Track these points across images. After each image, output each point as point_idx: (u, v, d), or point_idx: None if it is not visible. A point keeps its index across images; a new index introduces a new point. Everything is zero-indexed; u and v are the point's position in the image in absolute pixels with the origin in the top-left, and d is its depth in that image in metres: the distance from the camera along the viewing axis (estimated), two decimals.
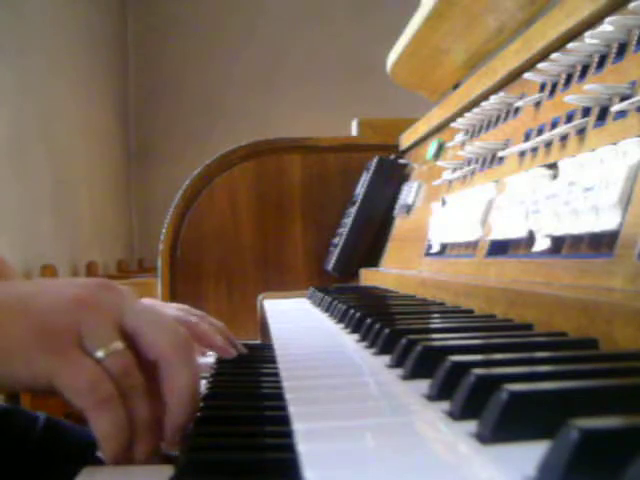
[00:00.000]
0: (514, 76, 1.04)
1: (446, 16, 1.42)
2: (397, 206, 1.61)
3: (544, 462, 0.29)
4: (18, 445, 0.81)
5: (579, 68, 0.83)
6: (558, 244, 0.76)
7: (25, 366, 0.57)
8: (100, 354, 0.59)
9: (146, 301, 0.95)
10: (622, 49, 0.74)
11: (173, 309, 1.09)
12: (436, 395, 0.46)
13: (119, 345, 0.60)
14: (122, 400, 0.59)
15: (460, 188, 1.17)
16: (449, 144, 1.29)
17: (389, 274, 1.44)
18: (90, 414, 0.57)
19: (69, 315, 0.59)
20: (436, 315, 0.89)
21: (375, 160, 1.69)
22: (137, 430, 0.59)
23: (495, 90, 1.10)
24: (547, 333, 0.64)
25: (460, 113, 1.24)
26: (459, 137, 1.23)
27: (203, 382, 0.82)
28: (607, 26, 0.74)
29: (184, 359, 0.60)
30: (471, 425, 0.38)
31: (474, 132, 1.18)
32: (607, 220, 0.64)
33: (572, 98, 0.77)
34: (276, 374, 0.78)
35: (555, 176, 0.79)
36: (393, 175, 1.67)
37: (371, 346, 0.68)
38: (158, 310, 0.64)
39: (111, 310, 0.61)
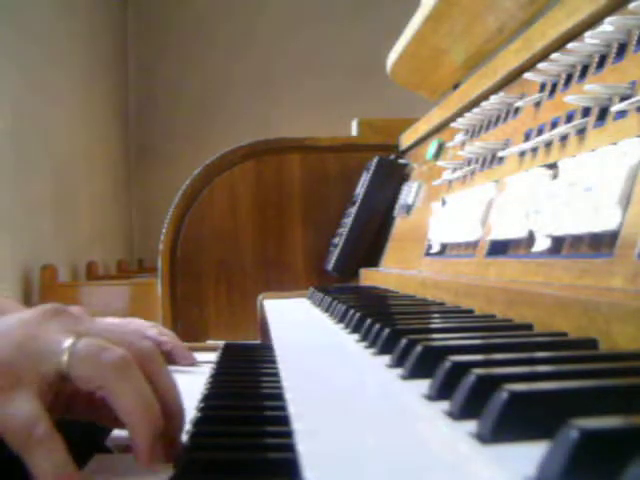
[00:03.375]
0: (514, 76, 1.04)
1: (446, 16, 1.42)
2: (397, 206, 1.61)
3: (544, 462, 0.29)
4: None
5: (579, 68, 0.83)
6: (558, 244, 0.76)
7: None
8: (65, 359, 0.56)
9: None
10: (622, 49, 0.74)
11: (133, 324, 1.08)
12: (436, 395, 0.46)
13: (75, 340, 0.57)
14: (107, 392, 0.56)
15: (460, 188, 1.17)
16: (449, 144, 1.29)
17: (389, 274, 1.44)
18: (25, 456, 0.54)
19: (18, 351, 0.57)
20: (436, 315, 0.89)
21: (375, 160, 1.69)
22: (125, 419, 0.56)
23: (495, 90, 1.10)
24: (547, 333, 0.64)
25: (460, 113, 1.24)
26: (459, 137, 1.23)
27: (201, 382, 0.82)
28: (607, 26, 0.74)
29: (123, 381, 0.56)
30: (471, 425, 0.38)
31: (474, 132, 1.18)
32: (607, 220, 0.64)
33: (572, 98, 0.77)
34: (276, 374, 0.78)
35: (555, 176, 0.79)
36: (393, 175, 1.67)
37: (371, 346, 0.68)
38: (96, 331, 0.60)
39: (59, 325, 0.59)
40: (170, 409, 0.59)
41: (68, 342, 0.57)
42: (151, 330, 1.10)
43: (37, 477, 0.54)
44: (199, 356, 1.17)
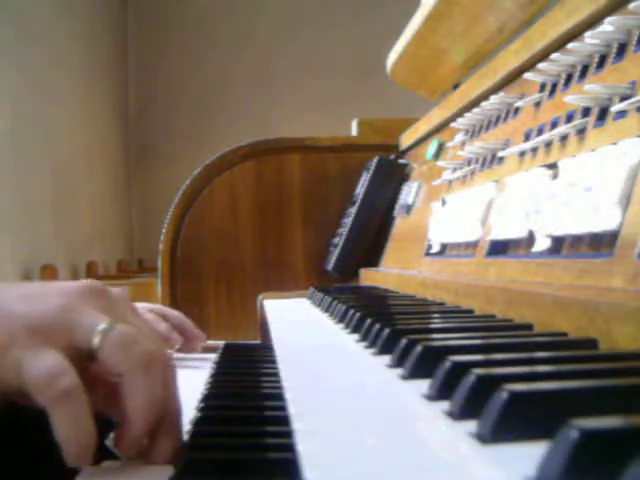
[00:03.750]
0: (514, 76, 1.04)
1: (446, 16, 1.42)
2: (397, 206, 1.61)
3: (544, 462, 0.29)
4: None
5: (579, 68, 0.83)
6: (558, 244, 0.76)
7: (2, 363, 0.55)
8: (96, 341, 0.57)
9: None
10: (622, 49, 0.74)
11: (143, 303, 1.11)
12: (436, 395, 0.46)
13: (113, 323, 0.58)
14: (126, 382, 0.57)
15: (460, 188, 1.17)
16: (449, 144, 1.29)
17: (389, 274, 1.44)
18: (48, 409, 0.54)
19: (55, 317, 0.58)
20: (436, 315, 0.89)
21: (375, 160, 1.69)
22: (130, 417, 0.57)
23: (495, 90, 1.10)
24: (547, 333, 0.64)
25: (460, 113, 1.24)
26: (459, 137, 1.23)
27: (202, 382, 0.82)
28: (607, 26, 0.74)
29: (143, 378, 0.57)
30: (471, 425, 0.38)
31: (474, 132, 1.18)
32: (607, 220, 0.64)
33: (572, 98, 0.77)
34: (276, 374, 0.78)
35: (555, 176, 0.79)
36: (393, 175, 1.67)
37: (371, 346, 0.68)
38: (132, 320, 0.62)
39: (99, 304, 0.60)
40: (168, 416, 0.60)
41: (103, 325, 0.58)
42: (160, 325, 1.11)
43: (56, 432, 0.54)
44: (199, 356, 1.17)
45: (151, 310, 1.13)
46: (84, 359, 0.58)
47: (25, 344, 0.56)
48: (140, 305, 1.12)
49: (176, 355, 1.20)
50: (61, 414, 0.54)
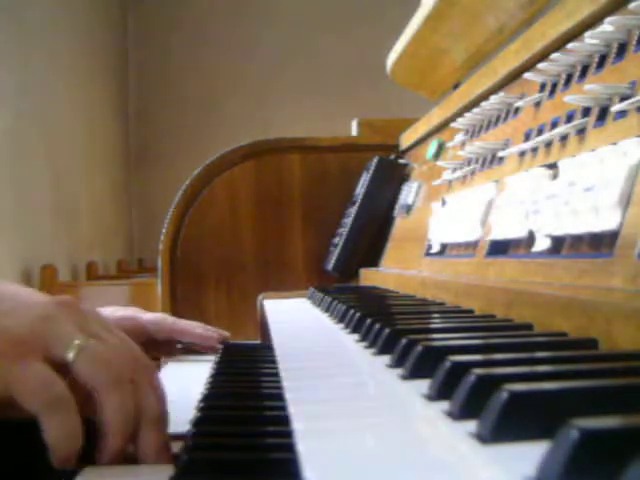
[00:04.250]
0: (514, 76, 1.04)
1: (446, 16, 1.42)
2: (397, 206, 1.61)
3: (544, 462, 0.29)
4: None
5: (579, 68, 0.83)
6: (558, 244, 0.76)
7: None
8: (70, 355, 0.60)
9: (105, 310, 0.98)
10: (622, 49, 0.74)
11: (153, 315, 1.12)
12: (436, 395, 0.46)
13: (87, 340, 0.61)
14: (100, 396, 0.60)
15: (460, 188, 1.17)
16: (449, 144, 1.29)
17: (389, 274, 1.44)
18: (40, 416, 0.57)
19: (33, 329, 0.61)
20: (436, 315, 0.89)
21: (375, 160, 1.69)
22: (107, 430, 0.59)
23: (495, 90, 1.10)
24: (547, 333, 0.64)
25: (460, 113, 1.24)
26: (459, 137, 1.23)
27: (201, 381, 0.82)
28: (607, 26, 0.74)
29: (114, 396, 0.60)
30: (471, 425, 0.38)
31: (474, 132, 1.18)
32: (607, 220, 0.64)
33: (572, 98, 0.77)
34: (276, 374, 0.78)
35: (555, 176, 0.79)
36: (393, 175, 1.67)
37: (371, 346, 0.68)
38: (104, 336, 0.64)
39: (75, 320, 0.63)
40: (150, 417, 0.63)
41: (78, 340, 0.61)
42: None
43: (46, 438, 0.57)
44: (199, 356, 1.17)
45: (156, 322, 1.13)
46: (60, 370, 0.61)
47: (9, 355, 0.58)
48: (151, 315, 1.13)
49: (177, 355, 1.20)
50: (53, 420, 0.57)
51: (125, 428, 0.60)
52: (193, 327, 1.16)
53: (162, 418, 0.64)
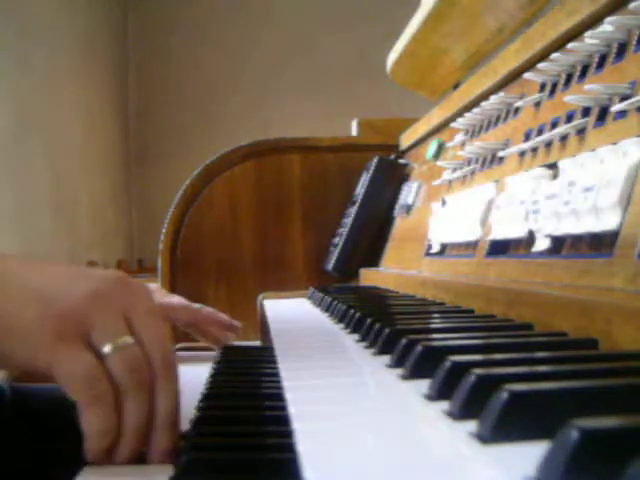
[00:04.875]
0: (514, 76, 1.04)
1: (446, 16, 1.42)
2: (397, 206, 1.61)
3: (544, 462, 0.29)
4: None
5: (579, 68, 0.83)
6: (558, 244, 0.76)
7: (28, 345, 0.59)
8: (107, 349, 0.60)
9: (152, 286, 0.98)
10: (622, 49, 0.74)
11: (177, 298, 1.12)
12: (436, 395, 0.46)
13: (128, 340, 0.61)
14: (122, 398, 0.60)
15: (460, 188, 1.17)
16: (449, 144, 1.29)
17: (389, 274, 1.44)
18: (82, 407, 0.58)
19: (80, 308, 0.60)
20: (436, 315, 0.89)
21: (375, 160, 1.69)
22: (125, 432, 0.60)
23: (495, 90, 1.10)
24: (547, 333, 0.64)
25: (460, 113, 1.24)
26: (459, 137, 1.23)
27: (201, 381, 0.82)
28: (607, 26, 0.74)
29: (135, 401, 0.61)
30: (471, 425, 0.38)
31: (474, 132, 1.18)
32: (607, 220, 0.64)
33: (572, 98, 0.77)
34: (276, 374, 0.78)
35: (555, 176, 0.80)
36: (393, 175, 1.67)
37: (371, 346, 0.68)
38: (144, 334, 0.64)
39: (123, 306, 0.62)
40: (163, 420, 0.63)
41: (120, 338, 0.60)
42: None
43: (85, 428, 0.58)
44: (200, 354, 1.17)
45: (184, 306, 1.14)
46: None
47: (57, 333, 0.58)
48: (176, 300, 1.14)
49: (178, 354, 1.20)
50: (95, 414, 0.58)
51: (139, 432, 0.61)
52: (218, 314, 1.17)
53: (175, 421, 0.64)
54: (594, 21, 0.80)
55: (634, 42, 0.72)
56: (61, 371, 0.58)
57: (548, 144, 0.85)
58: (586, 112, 0.77)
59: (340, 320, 0.90)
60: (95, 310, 0.61)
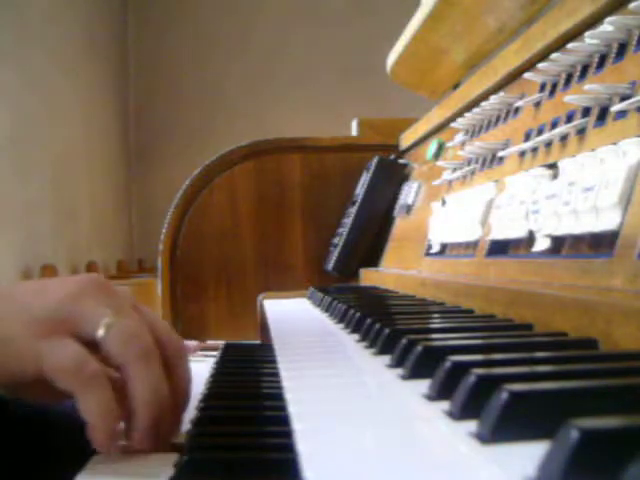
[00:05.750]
0: (514, 76, 1.04)
1: (446, 16, 1.42)
2: (397, 206, 1.61)
3: (544, 462, 0.29)
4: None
5: (579, 68, 0.83)
6: (558, 244, 0.76)
7: (15, 354, 0.59)
8: (100, 332, 0.60)
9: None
10: (622, 49, 0.74)
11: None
12: (436, 395, 0.46)
13: (116, 318, 0.61)
14: (128, 370, 0.60)
15: (460, 188, 1.17)
16: (449, 144, 1.29)
17: (389, 274, 1.44)
18: (77, 394, 0.58)
19: (59, 308, 0.61)
20: (436, 315, 0.89)
21: (375, 160, 1.69)
22: (137, 406, 0.60)
23: (495, 90, 1.10)
24: (547, 333, 0.64)
25: (460, 113, 1.24)
26: (459, 137, 1.23)
27: (201, 381, 0.82)
28: (607, 26, 0.74)
29: (144, 369, 0.60)
30: (471, 425, 0.38)
31: (474, 132, 1.18)
32: (607, 220, 0.64)
33: (572, 98, 0.77)
34: (276, 374, 0.78)
35: (555, 176, 0.79)
36: (393, 175, 1.67)
37: (371, 346, 0.68)
38: (134, 314, 0.64)
39: (102, 297, 0.63)
40: (177, 399, 0.64)
41: (107, 318, 0.61)
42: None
43: (85, 415, 0.57)
44: (199, 356, 1.17)
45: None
46: (90, 348, 0.61)
47: (39, 334, 0.59)
48: None
49: None
50: (91, 397, 0.57)
51: (156, 402, 0.60)
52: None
53: (185, 404, 0.64)
54: (594, 21, 0.80)
55: (634, 42, 0.72)
56: (48, 363, 0.58)
57: (548, 144, 0.85)
58: (586, 112, 0.77)
59: (340, 320, 0.90)
60: (76, 306, 0.61)
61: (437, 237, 1.19)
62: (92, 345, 0.61)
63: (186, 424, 0.64)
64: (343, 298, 1.05)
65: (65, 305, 0.61)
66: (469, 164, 1.14)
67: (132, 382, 0.60)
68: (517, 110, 1.00)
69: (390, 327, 0.66)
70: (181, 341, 0.67)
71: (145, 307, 0.68)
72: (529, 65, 0.97)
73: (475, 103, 1.17)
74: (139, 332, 0.62)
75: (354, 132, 1.91)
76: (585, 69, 0.82)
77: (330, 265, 1.70)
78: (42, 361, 0.58)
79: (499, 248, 0.92)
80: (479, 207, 1.00)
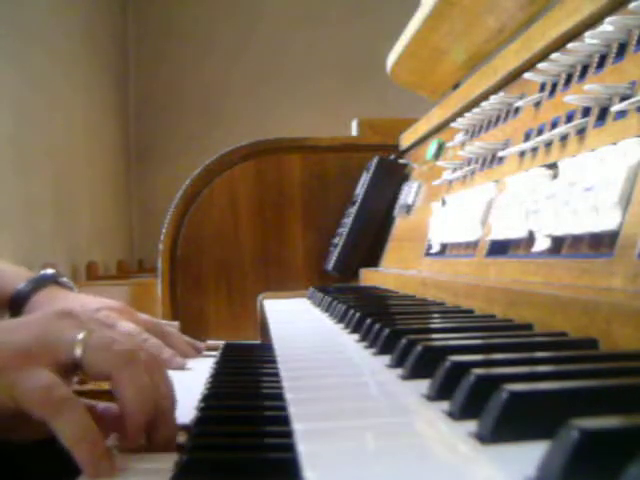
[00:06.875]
0: (514, 76, 1.04)
1: (446, 16, 1.42)
2: (397, 206, 1.61)
3: (544, 462, 0.29)
4: None
5: (579, 68, 0.83)
6: (558, 244, 0.76)
7: None
8: (78, 351, 0.62)
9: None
10: (622, 49, 0.74)
11: (144, 315, 1.13)
12: (436, 395, 0.46)
13: (88, 333, 0.63)
14: (114, 376, 0.61)
15: (460, 188, 1.17)
16: (449, 144, 1.29)
17: (389, 274, 1.44)
18: (49, 420, 0.58)
19: (36, 340, 0.62)
20: (436, 315, 0.89)
21: (375, 160, 1.69)
22: (128, 409, 0.61)
23: (495, 90, 1.10)
24: (547, 333, 0.64)
25: (460, 113, 1.24)
26: (459, 137, 1.23)
27: (202, 381, 0.83)
28: (607, 26, 0.74)
29: (127, 370, 0.62)
30: (471, 425, 0.38)
31: (474, 132, 1.18)
32: (607, 220, 0.64)
33: (572, 98, 0.77)
34: (276, 374, 0.78)
35: (555, 176, 0.79)
36: (393, 175, 1.67)
37: (371, 346, 0.68)
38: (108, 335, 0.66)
39: (73, 323, 0.65)
40: (161, 405, 0.64)
41: (81, 335, 0.63)
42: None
43: (64, 441, 0.57)
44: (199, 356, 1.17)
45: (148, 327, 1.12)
46: (71, 371, 0.63)
47: (14, 367, 0.60)
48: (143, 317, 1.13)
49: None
50: (62, 421, 0.57)
51: (144, 403, 0.61)
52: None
53: (173, 408, 0.65)
54: (594, 21, 0.80)
55: (634, 42, 0.72)
56: (19, 390, 0.58)
57: (548, 144, 0.85)
58: (586, 112, 0.77)
59: (340, 320, 0.90)
60: (49, 336, 0.63)
61: (437, 237, 1.19)
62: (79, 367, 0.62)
63: (186, 422, 0.64)
64: (343, 298, 1.05)
65: (41, 336, 0.63)
66: (469, 164, 1.14)
67: (119, 385, 0.61)
68: (517, 110, 1.00)
69: (390, 327, 0.66)
70: (158, 344, 0.70)
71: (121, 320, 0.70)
72: (529, 65, 0.97)
73: (475, 103, 1.17)
74: (115, 339, 0.63)
75: (354, 132, 1.91)
76: (585, 69, 0.82)
77: (330, 265, 1.70)
78: (13, 390, 0.59)
79: (499, 248, 0.92)
80: (479, 207, 1.00)
